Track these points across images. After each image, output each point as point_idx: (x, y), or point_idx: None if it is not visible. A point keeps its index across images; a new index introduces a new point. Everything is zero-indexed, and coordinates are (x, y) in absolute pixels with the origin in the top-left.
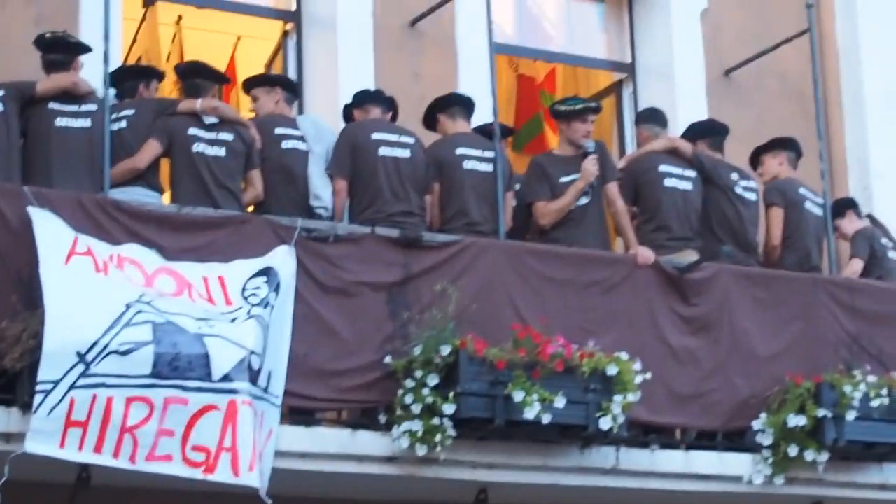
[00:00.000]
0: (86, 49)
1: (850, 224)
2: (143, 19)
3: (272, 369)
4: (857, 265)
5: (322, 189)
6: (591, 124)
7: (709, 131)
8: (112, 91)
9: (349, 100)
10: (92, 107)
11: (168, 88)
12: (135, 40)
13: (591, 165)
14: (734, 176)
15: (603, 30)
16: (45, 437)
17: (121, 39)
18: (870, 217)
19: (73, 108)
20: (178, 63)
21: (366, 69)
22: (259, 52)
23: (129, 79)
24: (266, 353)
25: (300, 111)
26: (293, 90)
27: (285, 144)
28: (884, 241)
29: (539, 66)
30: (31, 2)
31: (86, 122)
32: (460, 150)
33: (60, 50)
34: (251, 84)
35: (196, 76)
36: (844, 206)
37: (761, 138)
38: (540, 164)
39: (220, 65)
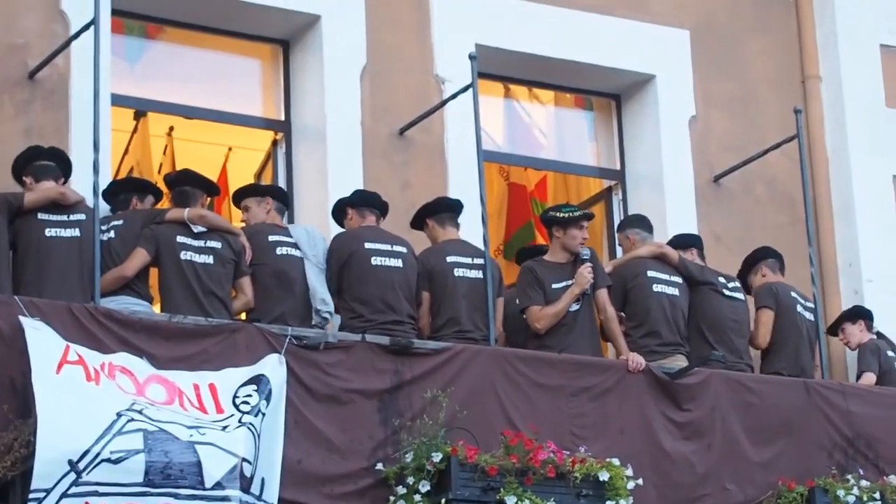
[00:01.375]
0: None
1: (858, 332)
2: (135, 130)
3: (265, 476)
4: (870, 378)
5: (326, 294)
6: (586, 231)
7: (690, 242)
8: (105, 205)
9: (339, 199)
10: (81, 216)
11: (162, 203)
12: (126, 151)
13: (586, 272)
14: (721, 279)
15: (592, 137)
16: None
17: (110, 150)
18: (878, 333)
19: (62, 218)
20: (167, 172)
21: (355, 177)
22: (250, 163)
23: (124, 192)
24: (258, 460)
25: (290, 220)
26: (284, 200)
27: (280, 251)
28: (890, 353)
29: (530, 175)
30: (21, 112)
31: (75, 232)
32: (451, 259)
33: (54, 159)
34: (242, 195)
35: (185, 184)
36: (858, 314)
37: (751, 244)
38: (532, 270)
39: (212, 175)
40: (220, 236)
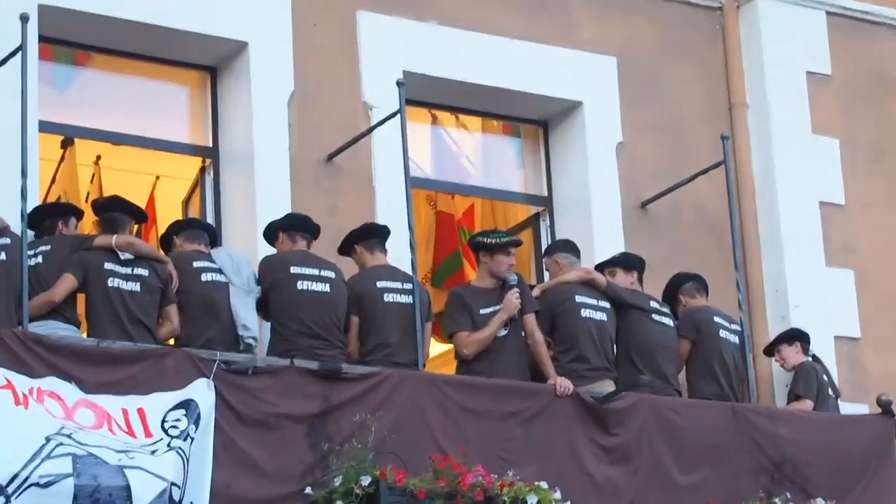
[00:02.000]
0: None
1: (794, 354)
2: (62, 159)
3: (194, 500)
4: (807, 405)
5: (249, 319)
6: (513, 257)
7: (618, 264)
8: (30, 232)
9: (271, 221)
10: (6, 241)
11: (88, 227)
12: (53, 181)
13: (514, 298)
14: (652, 304)
15: (520, 164)
16: None
17: (38, 179)
18: (814, 356)
19: None
20: (95, 198)
21: (283, 203)
22: (177, 191)
23: (48, 217)
24: (187, 484)
25: (219, 244)
26: (210, 231)
27: (205, 277)
28: (825, 377)
29: (458, 203)
30: None
31: (1, 256)
32: (381, 284)
33: None
34: (173, 230)
35: (113, 210)
36: (795, 336)
37: (678, 269)
38: (460, 296)
39: (140, 204)
40: (148, 264)
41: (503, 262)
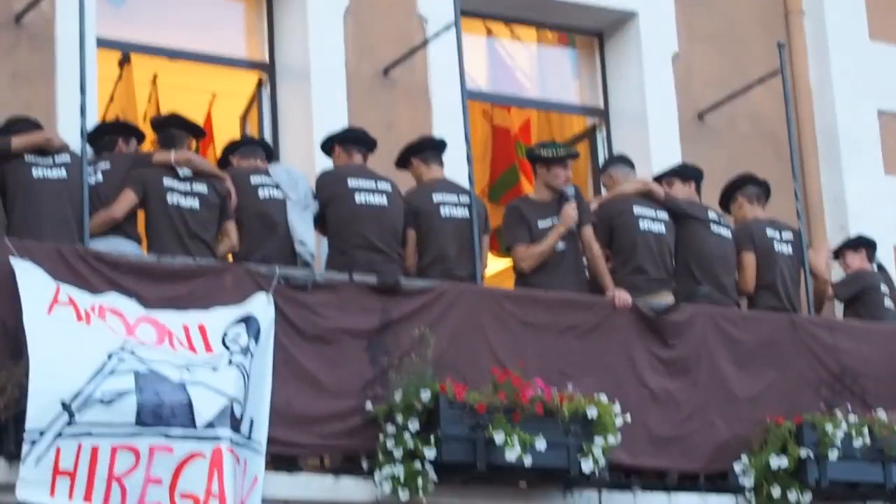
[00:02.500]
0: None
1: (859, 262)
2: (119, 78)
3: (254, 416)
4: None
5: (305, 234)
6: (570, 170)
7: (677, 174)
8: (90, 149)
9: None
10: (66, 158)
11: (147, 147)
12: (111, 99)
13: (571, 211)
14: (710, 214)
15: (575, 75)
16: (34, 486)
17: (96, 93)
18: (879, 266)
19: (48, 161)
20: (154, 116)
21: (339, 117)
22: (234, 108)
23: (108, 134)
24: (248, 400)
25: (276, 158)
26: (268, 148)
27: (262, 193)
28: (883, 287)
29: (514, 117)
30: (7, 56)
31: (61, 174)
32: (437, 198)
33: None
34: (229, 149)
35: (171, 127)
36: (862, 243)
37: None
38: (518, 209)
39: (197, 121)
40: (206, 180)
41: (560, 175)
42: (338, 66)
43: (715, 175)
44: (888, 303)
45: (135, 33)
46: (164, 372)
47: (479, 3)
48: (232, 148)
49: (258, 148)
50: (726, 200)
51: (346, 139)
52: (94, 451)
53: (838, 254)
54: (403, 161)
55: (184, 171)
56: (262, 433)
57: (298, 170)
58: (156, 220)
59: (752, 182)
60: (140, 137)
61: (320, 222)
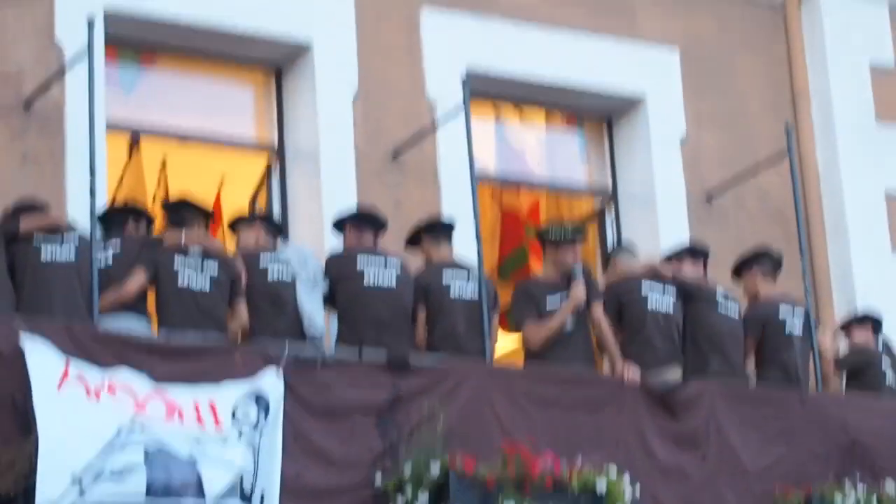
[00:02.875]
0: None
1: (862, 335)
2: (129, 161)
3: (265, 490)
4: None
5: (314, 314)
6: (579, 250)
7: (688, 253)
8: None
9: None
10: (74, 240)
11: (157, 231)
12: (120, 182)
13: (579, 290)
14: (719, 292)
15: (584, 159)
16: None
17: (106, 178)
18: (885, 343)
19: (57, 242)
20: (165, 198)
21: (349, 200)
22: (244, 190)
23: (119, 216)
24: (258, 474)
25: (285, 237)
26: (274, 225)
27: (272, 272)
28: (885, 363)
29: (522, 200)
30: (18, 139)
31: (70, 256)
32: (447, 278)
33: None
34: (232, 224)
35: (182, 210)
36: (868, 319)
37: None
38: (527, 288)
39: (207, 203)
40: (217, 260)
41: (568, 255)
42: (347, 149)
43: (723, 255)
44: (890, 378)
45: (145, 116)
46: (173, 446)
47: (488, 86)
48: (238, 222)
49: (261, 223)
50: (740, 269)
51: (356, 220)
52: None
53: (845, 329)
54: (414, 240)
55: (194, 253)
56: None
57: (308, 249)
58: (167, 300)
59: (768, 257)
60: (150, 220)
61: (330, 300)
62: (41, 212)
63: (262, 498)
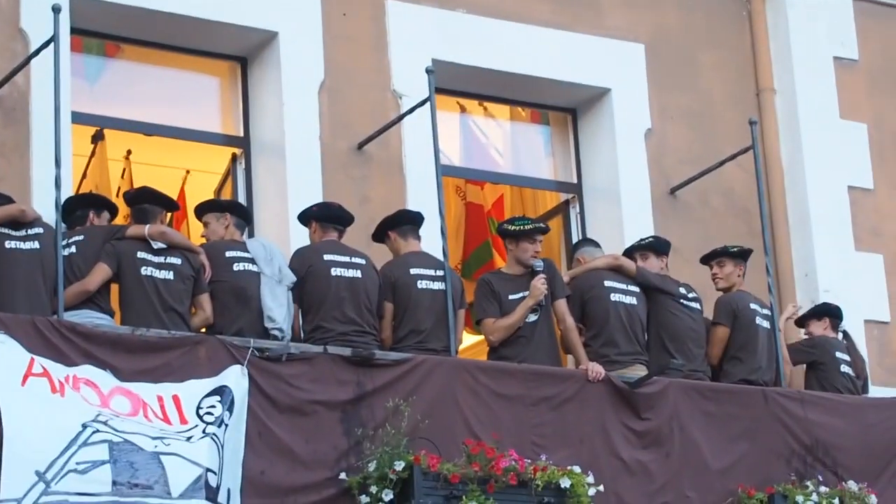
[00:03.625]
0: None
1: (822, 331)
2: (93, 154)
3: (230, 487)
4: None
5: (275, 311)
6: (539, 244)
7: (651, 248)
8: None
9: (306, 208)
10: (39, 230)
11: (120, 221)
12: (84, 175)
13: (539, 284)
14: (681, 289)
15: (549, 152)
16: None
17: (71, 169)
18: (845, 333)
19: (21, 233)
20: (127, 190)
21: (314, 192)
22: (208, 185)
23: (80, 207)
24: (223, 470)
25: (251, 235)
26: (243, 216)
27: (237, 267)
28: (840, 354)
29: (487, 194)
30: None
31: (34, 245)
32: (414, 271)
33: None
34: (202, 210)
35: (144, 202)
36: (825, 312)
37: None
38: (488, 283)
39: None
40: (180, 253)
41: (528, 249)
42: (313, 141)
43: (687, 250)
44: (845, 369)
45: (109, 109)
46: (138, 442)
47: (454, 80)
48: (209, 206)
49: (243, 223)
50: (711, 258)
51: (322, 216)
52: None
53: (803, 322)
54: (380, 235)
55: (158, 244)
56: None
57: (273, 244)
58: (130, 293)
59: (739, 256)
60: (113, 210)
61: (296, 295)
62: (6, 202)
63: (228, 495)
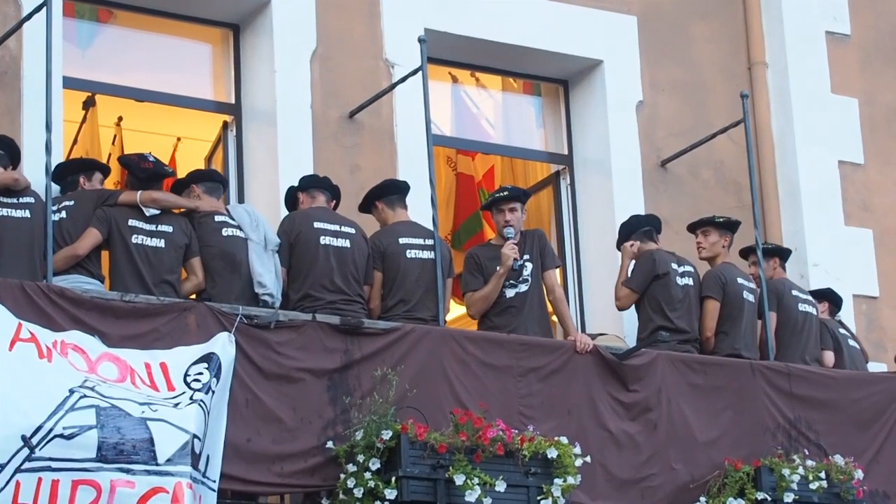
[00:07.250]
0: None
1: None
2: (84, 120)
3: (210, 453)
4: (828, 358)
5: (265, 276)
6: (513, 212)
7: (641, 227)
8: (56, 186)
9: (294, 182)
10: (30, 199)
11: (111, 186)
12: (75, 141)
13: (507, 251)
14: (673, 265)
15: (540, 123)
16: None
17: (62, 134)
18: (839, 321)
19: (13, 200)
20: (121, 154)
21: (305, 161)
22: (200, 150)
23: (71, 173)
24: (206, 437)
25: (241, 201)
26: (211, 178)
27: (225, 232)
28: (842, 331)
29: (478, 165)
30: None
31: (25, 213)
32: (403, 240)
33: (2, 147)
34: (194, 180)
35: (209, 179)
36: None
37: None
38: (474, 256)
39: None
40: (173, 220)
41: (499, 219)
42: (304, 109)
43: (677, 222)
44: (853, 343)
45: (101, 74)
46: (125, 408)
47: (446, 50)
48: (196, 177)
49: (220, 187)
50: (696, 227)
51: (306, 186)
52: (55, 486)
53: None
54: (367, 205)
55: (150, 211)
56: (215, 471)
57: (258, 211)
58: (119, 260)
59: (729, 228)
60: (105, 172)
61: (285, 261)
62: (9, 145)
63: (207, 461)
